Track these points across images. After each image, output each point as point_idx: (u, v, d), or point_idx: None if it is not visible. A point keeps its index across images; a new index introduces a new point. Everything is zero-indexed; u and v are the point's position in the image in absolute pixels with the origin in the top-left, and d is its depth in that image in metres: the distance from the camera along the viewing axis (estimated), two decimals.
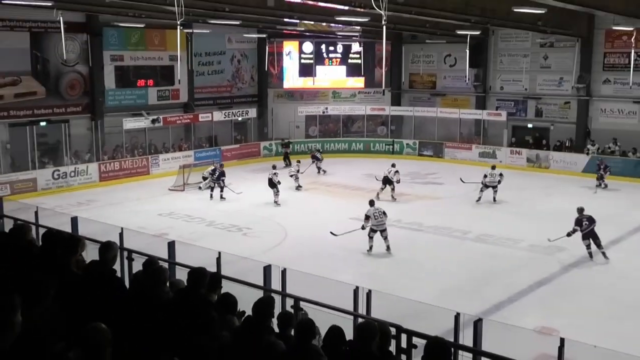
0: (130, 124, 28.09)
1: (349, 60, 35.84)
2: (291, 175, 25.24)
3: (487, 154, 31.05)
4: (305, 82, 35.93)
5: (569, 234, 16.55)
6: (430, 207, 22.61)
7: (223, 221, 20.41)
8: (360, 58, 35.73)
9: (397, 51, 35.38)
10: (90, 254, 6.73)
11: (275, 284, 8.84)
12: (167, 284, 6.17)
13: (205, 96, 33.03)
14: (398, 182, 23.40)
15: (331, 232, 17.62)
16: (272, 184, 22.85)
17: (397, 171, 23.44)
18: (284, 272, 8.84)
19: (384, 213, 17.04)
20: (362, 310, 8.12)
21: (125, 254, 9.87)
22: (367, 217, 16.97)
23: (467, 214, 21.40)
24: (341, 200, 23.57)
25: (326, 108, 34.90)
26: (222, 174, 24.24)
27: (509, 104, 32.33)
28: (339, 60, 35.86)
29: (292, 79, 36.03)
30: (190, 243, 13.67)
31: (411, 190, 25.22)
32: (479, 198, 22.78)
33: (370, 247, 16.88)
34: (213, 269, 8.55)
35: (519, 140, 31.45)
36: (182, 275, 6.98)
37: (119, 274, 6.86)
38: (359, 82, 36.10)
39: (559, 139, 30.19)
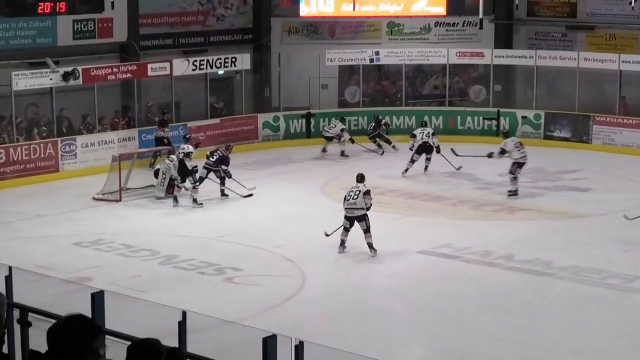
0: (25, 81, 28.30)
1: None
2: None
3: None
4: (339, 6, 36.17)
5: None
6: (566, 234, 22.53)
7: (192, 256, 20.47)
8: None
9: None
10: None
11: None
12: None
13: (159, 32, 33.40)
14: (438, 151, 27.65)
15: (325, 233, 20.37)
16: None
17: (433, 133, 28.58)
18: (299, 347, 8.90)
19: (366, 193, 20.09)
20: None
21: (16, 313, 9.99)
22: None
23: (633, 246, 21.28)
24: (402, 219, 23.60)
25: (377, 53, 35.02)
26: (223, 160, 25.31)
27: None
28: None
29: (315, 1, 36.23)
30: (132, 295, 13.79)
31: (531, 201, 25.23)
32: None
33: (340, 243, 20.45)
34: (173, 342, 8.63)
35: None
36: (117, 353, 7.06)
37: (5, 349, 6.96)
38: (436, 4, 36.27)
39: None
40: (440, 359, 13.24)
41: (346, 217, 20.29)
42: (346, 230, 20.37)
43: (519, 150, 25.77)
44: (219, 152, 25.81)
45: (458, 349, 15.24)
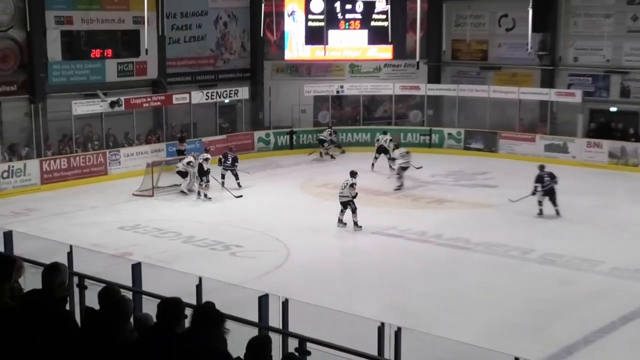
0: (82, 107, 28.14)
1: (372, 23, 35.86)
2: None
3: (555, 147, 31.06)
4: (314, 52, 36.02)
5: (533, 193, 19.47)
6: (480, 218, 22.62)
7: (205, 236, 20.50)
8: (386, 20, 35.67)
9: (436, 11, 35.38)
10: (30, 279, 6.77)
11: (275, 320, 8.87)
12: (132, 319, 6.21)
13: (181, 71, 33.19)
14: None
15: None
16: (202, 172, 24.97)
17: (391, 139, 29.24)
18: (285, 303, 8.87)
19: (351, 185, 21.11)
20: (389, 354, 8.14)
21: (76, 280, 9.92)
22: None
23: (528, 228, 21.38)
24: (361, 209, 23.56)
25: (341, 87, 34.95)
26: (236, 159, 26.44)
27: (585, 81, 32.34)
28: (358, 22, 35.90)
29: (296, 48, 36.14)
30: (161, 265, 13.75)
31: (454, 195, 25.32)
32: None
33: (338, 221, 21.34)
34: (192, 300, 8.61)
35: (598, 128, 31.34)
36: (150, 308, 7.02)
37: (67, 307, 6.91)
38: (385, 51, 36.13)
39: None
40: (388, 311, 13.24)
41: (340, 202, 21.28)
42: (341, 211, 21.28)
43: (403, 158, 26.33)
44: (230, 154, 26.37)
45: (401, 303, 15.37)
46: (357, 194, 21.29)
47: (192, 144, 30.40)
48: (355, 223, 21.01)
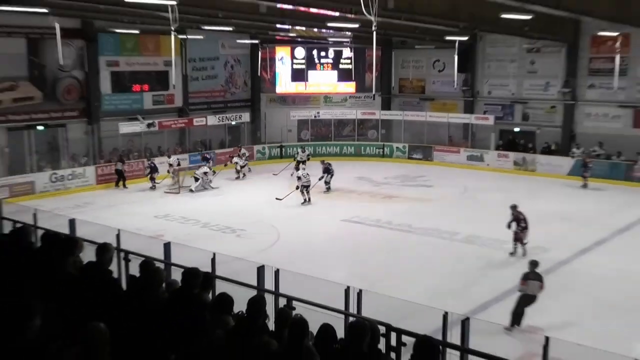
0: (126, 128, 28.06)
1: (340, 66, 35.90)
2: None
3: (475, 157, 31.17)
4: (298, 87, 35.98)
5: (508, 226, 17.05)
6: (419, 209, 22.69)
7: (218, 223, 20.43)
8: (351, 63, 35.80)
9: (387, 56, 35.47)
10: (88, 255, 6.74)
11: (269, 284, 8.86)
12: (164, 285, 6.19)
13: (199, 101, 33.02)
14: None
15: (277, 198, 22.63)
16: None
17: (309, 154, 28.56)
18: (277, 272, 8.86)
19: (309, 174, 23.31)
20: (353, 309, 8.15)
21: (122, 255, 9.87)
22: (298, 178, 23.26)
23: (455, 216, 21.46)
24: (333, 202, 23.64)
25: (318, 112, 34.97)
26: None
27: (496, 108, 32.46)
28: (330, 65, 35.90)
29: (284, 84, 36.06)
30: (185, 244, 13.66)
31: (401, 192, 25.37)
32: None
33: (305, 200, 22.87)
34: (208, 270, 8.58)
35: (506, 143, 31.56)
36: (177, 275, 6.99)
37: (116, 275, 6.87)
38: (350, 87, 36.17)
39: (545, 141, 30.27)
40: (352, 278, 13.20)
41: (304, 186, 23.00)
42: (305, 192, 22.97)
43: (305, 177, 23.29)
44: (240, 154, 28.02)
45: (362, 271, 15.34)
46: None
47: (207, 154, 30.26)
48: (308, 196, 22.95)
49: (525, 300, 12.33)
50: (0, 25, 24.60)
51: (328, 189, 25.28)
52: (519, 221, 16.90)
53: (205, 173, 25.66)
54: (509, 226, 16.99)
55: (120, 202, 23.64)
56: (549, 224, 19.72)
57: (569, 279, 15.28)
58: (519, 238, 16.94)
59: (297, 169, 26.44)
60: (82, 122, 27.77)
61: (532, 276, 12.47)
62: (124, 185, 26.45)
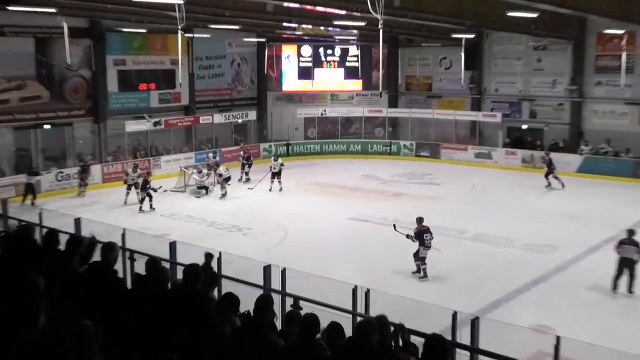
0: (133, 127, 28.04)
1: (347, 64, 35.77)
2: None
3: (483, 155, 31.01)
4: (304, 85, 35.88)
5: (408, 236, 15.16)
6: (427, 208, 22.49)
7: (224, 222, 20.34)
8: (357, 61, 35.68)
9: (394, 55, 35.32)
10: (94, 254, 6.68)
11: (276, 284, 8.78)
12: (169, 285, 6.12)
13: (206, 99, 32.96)
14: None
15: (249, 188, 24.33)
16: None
17: (282, 164, 25.26)
18: (283, 271, 8.78)
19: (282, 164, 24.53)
20: (361, 309, 8.05)
21: (128, 254, 9.82)
22: (220, 175, 24.29)
23: (464, 214, 21.30)
24: (340, 201, 23.54)
25: (325, 110, 34.85)
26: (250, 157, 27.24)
27: (503, 106, 32.29)
28: (337, 63, 35.79)
29: (291, 82, 35.97)
30: (191, 243, 13.61)
31: (408, 190, 25.24)
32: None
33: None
34: (215, 269, 8.49)
35: (513, 141, 31.40)
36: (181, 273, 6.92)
37: (121, 274, 6.80)
38: (356, 85, 36.05)
39: (553, 139, 30.10)
40: (360, 276, 13.12)
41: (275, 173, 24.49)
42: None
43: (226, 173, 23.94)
44: (246, 155, 27.38)
45: (370, 270, 15.23)
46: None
47: (213, 152, 30.21)
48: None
49: (623, 263, 13.53)
50: (9, 26, 24.63)
51: (248, 180, 26.53)
52: (423, 235, 14.96)
53: (220, 175, 25.20)
54: (413, 240, 15.15)
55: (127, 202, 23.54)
56: (558, 222, 19.59)
57: (580, 276, 15.14)
58: (420, 256, 14.92)
59: (272, 180, 25.05)
60: (89, 121, 27.76)
61: (628, 242, 13.59)
62: (33, 203, 22.27)
